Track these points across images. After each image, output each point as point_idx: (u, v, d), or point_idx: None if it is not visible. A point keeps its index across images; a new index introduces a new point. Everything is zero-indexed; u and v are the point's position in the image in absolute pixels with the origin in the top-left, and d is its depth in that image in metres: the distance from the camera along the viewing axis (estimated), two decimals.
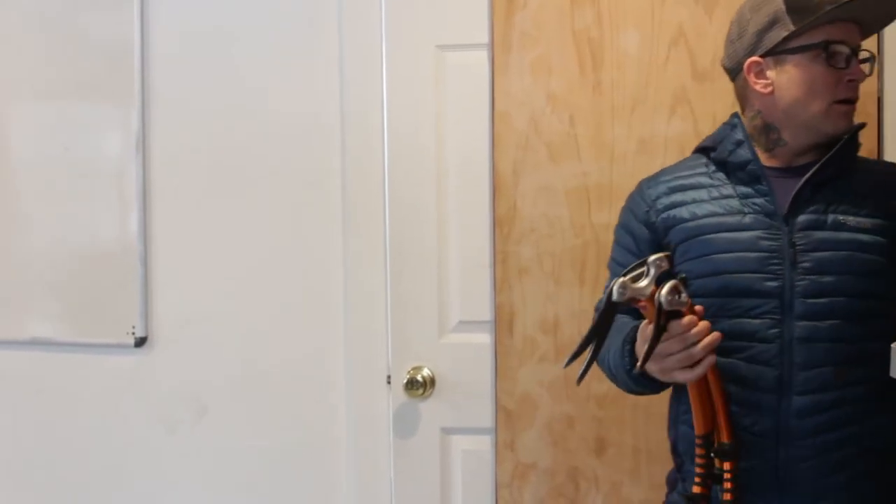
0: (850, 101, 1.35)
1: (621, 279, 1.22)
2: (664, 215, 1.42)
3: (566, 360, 1.23)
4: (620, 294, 1.21)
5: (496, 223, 1.91)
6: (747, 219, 1.35)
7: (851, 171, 1.37)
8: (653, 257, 1.22)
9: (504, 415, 1.91)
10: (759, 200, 1.36)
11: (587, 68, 1.86)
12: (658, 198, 1.44)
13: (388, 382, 2.06)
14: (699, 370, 1.22)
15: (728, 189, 1.39)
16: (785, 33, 1.33)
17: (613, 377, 1.41)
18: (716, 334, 1.22)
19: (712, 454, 1.28)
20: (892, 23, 1.41)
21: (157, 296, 2.20)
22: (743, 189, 1.38)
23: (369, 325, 2.07)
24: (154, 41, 2.19)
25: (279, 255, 2.15)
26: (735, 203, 1.37)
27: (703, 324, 1.21)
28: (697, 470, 1.28)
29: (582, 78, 1.86)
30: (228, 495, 2.20)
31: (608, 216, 1.82)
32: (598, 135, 1.85)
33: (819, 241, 1.31)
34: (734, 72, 1.43)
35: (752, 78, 1.38)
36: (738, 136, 1.40)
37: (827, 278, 1.30)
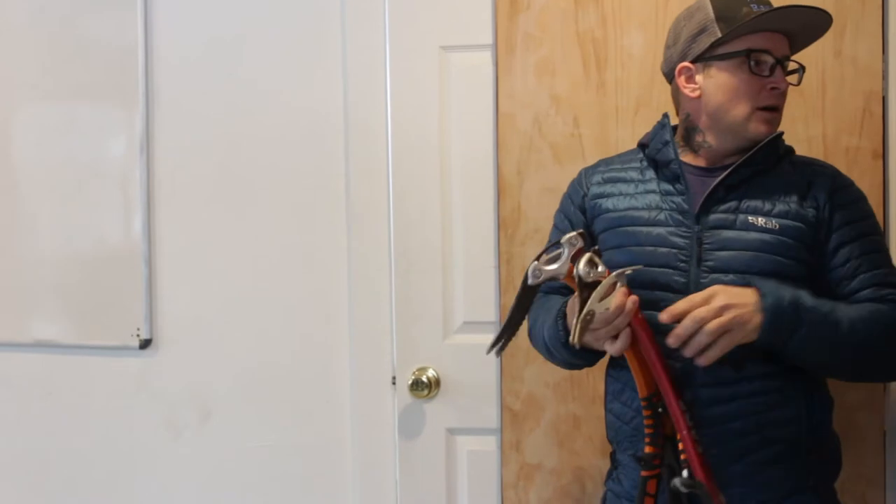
0: (774, 109, 1.41)
1: (534, 262, 1.32)
2: (592, 203, 1.52)
3: (489, 347, 1.35)
4: (535, 277, 1.31)
5: (501, 224, 1.91)
6: (661, 215, 1.42)
7: (769, 172, 1.42)
8: (565, 237, 1.31)
9: (510, 415, 1.92)
10: (676, 199, 1.43)
11: (591, 69, 1.86)
12: (591, 186, 1.53)
13: (394, 383, 2.06)
14: (619, 344, 1.30)
15: (652, 185, 1.46)
16: (712, 40, 1.39)
17: (549, 353, 1.50)
18: (633, 298, 1.29)
19: (660, 410, 1.33)
20: (818, 39, 1.47)
21: (162, 298, 2.21)
22: (665, 186, 1.45)
23: (374, 326, 2.07)
24: (158, 44, 2.19)
25: (284, 256, 2.15)
26: (655, 199, 1.45)
27: (618, 295, 1.28)
28: (647, 430, 1.35)
29: (586, 79, 1.86)
30: (233, 496, 2.20)
31: None
32: (602, 135, 1.85)
33: (725, 240, 1.38)
34: (669, 76, 1.50)
35: (682, 82, 1.45)
36: (666, 136, 1.47)
37: (729, 276, 1.35)
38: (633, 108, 1.84)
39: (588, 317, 1.27)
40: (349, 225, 2.09)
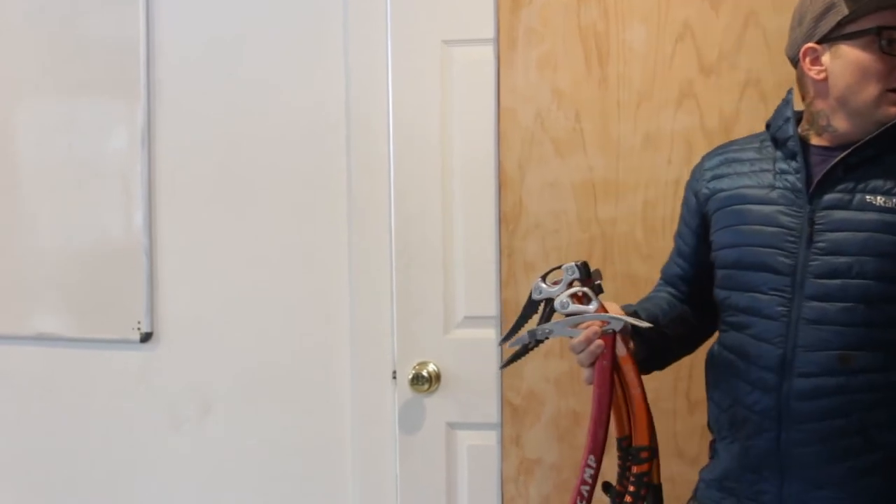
0: None
1: (537, 281, 1.41)
2: (709, 185, 1.46)
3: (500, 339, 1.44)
4: (538, 293, 1.41)
5: (502, 219, 1.91)
6: (774, 193, 1.36)
7: (893, 153, 1.33)
8: (565, 265, 1.39)
9: (510, 410, 1.91)
10: (791, 177, 1.36)
11: (593, 63, 1.85)
12: (709, 168, 1.48)
13: (394, 378, 2.06)
14: (585, 374, 1.37)
15: (767, 164, 1.40)
16: (839, 17, 1.31)
17: None
18: (597, 343, 1.35)
19: (629, 457, 1.38)
20: None
21: (163, 291, 2.21)
22: (781, 165, 1.38)
23: (375, 321, 2.07)
24: (159, 38, 2.19)
25: (285, 251, 2.15)
26: (768, 177, 1.38)
27: (585, 333, 1.35)
28: (618, 470, 1.40)
29: (588, 73, 1.86)
30: (234, 491, 2.21)
31: (614, 211, 1.82)
32: (604, 130, 1.85)
33: (839, 220, 1.29)
34: (794, 59, 1.41)
35: (807, 64, 1.36)
36: (787, 112, 1.40)
37: (841, 259, 1.27)
38: (635, 102, 1.83)
39: (529, 336, 1.41)
40: (350, 220, 2.09)
